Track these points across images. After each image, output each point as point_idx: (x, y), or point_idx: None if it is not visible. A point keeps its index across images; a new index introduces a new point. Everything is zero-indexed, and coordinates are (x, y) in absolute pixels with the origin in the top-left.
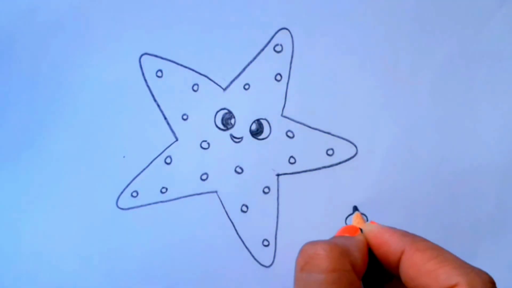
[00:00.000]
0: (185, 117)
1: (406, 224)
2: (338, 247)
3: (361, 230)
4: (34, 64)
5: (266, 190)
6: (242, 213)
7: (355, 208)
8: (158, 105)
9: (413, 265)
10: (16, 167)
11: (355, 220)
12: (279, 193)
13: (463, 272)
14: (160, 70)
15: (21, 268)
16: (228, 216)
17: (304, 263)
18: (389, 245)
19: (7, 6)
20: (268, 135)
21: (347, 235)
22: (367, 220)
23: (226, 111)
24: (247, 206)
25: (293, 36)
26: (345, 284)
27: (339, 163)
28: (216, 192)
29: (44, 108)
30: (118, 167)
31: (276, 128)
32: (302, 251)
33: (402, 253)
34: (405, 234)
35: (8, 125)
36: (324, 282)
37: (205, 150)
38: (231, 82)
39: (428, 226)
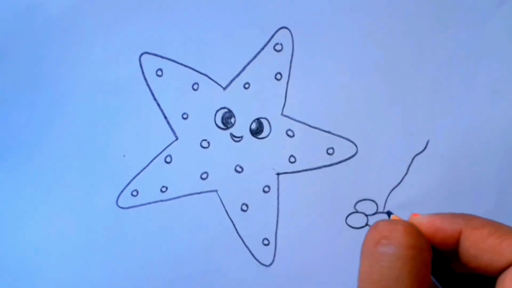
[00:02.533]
0: (185, 116)
1: None
2: (415, 225)
3: None
4: (33, 64)
5: (266, 189)
6: (242, 212)
7: (389, 213)
8: (158, 104)
9: (473, 244)
10: (16, 167)
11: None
12: (279, 192)
13: None
14: (160, 69)
15: (21, 268)
16: (228, 215)
17: (380, 237)
18: (443, 231)
19: (7, 6)
20: (268, 134)
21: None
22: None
23: (226, 110)
24: (247, 205)
25: (293, 35)
26: (422, 262)
27: (339, 162)
28: (216, 191)
29: (43, 108)
30: (118, 166)
31: (276, 127)
32: (377, 226)
33: (459, 234)
34: (455, 215)
35: (8, 124)
36: (404, 257)
37: (205, 149)
38: (231, 81)
39: None
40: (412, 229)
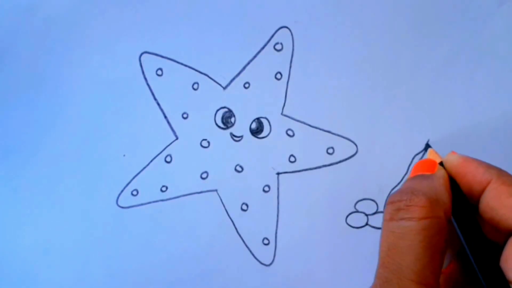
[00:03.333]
0: (185, 115)
1: None
2: (428, 193)
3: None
4: (33, 63)
5: (266, 189)
6: (242, 212)
7: (428, 145)
8: (158, 104)
9: (496, 196)
10: (16, 166)
11: (431, 155)
12: (279, 191)
13: None
14: (160, 69)
15: (21, 268)
16: (228, 215)
17: (394, 212)
18: (474, 175)
19: (7, 5)
20: (268, 134)
21: (424, 172)
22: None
23: (226, 109)
24: (247, 205)
25: (293, 34)
26: (435, 231)
27: (339, 161)
28: (216, 190)
29: (43, 107)
30: (118, 165)
31: (276, 126)
32: (390, 200)
33: (487, 183)
34: (491, 166)
35: (8, 124)
36: (415, 228)
37: (205, 149)
38: (231, 81)
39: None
40: (424, 202)
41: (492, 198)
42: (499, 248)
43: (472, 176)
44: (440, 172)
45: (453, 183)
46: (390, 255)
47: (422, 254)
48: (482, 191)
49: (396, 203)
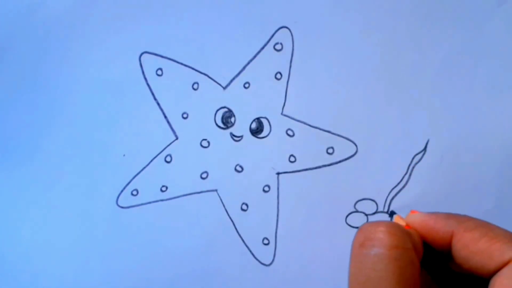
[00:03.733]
0: (185, 115)
1: None
2: (399, 226)
3: None
4: (33, 63)
5: (266, 189)
6: (242, 212)
7: (392, 213)
8: (158, 104)
9: (464, 246)
10: (16, 166)
11: (397, 221)
12: (279, 191)
13: None
14: (160, 69)
15: (21, 268)
16: (228, 215)
17: (364, 239)
18: (436, 232)
19: (7, 5)
20: (268, 134)
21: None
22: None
23: (226, 109)
24: (247, 205)
25: (293, 34)
26: (406, 262)
27: (339, 161)
28: (216, 190)
29: (43, 107)
30: (118, 165)
31: (276, 126)
32: (362, 228)
33: (451, 236)
34: (449, 216)
35: (8, 124)
36: (386, 258)
37: (205, 149)
38: (231, 81)
39: None
40: (396, 230)
41: (461, 250)
42: None
43: (435, 232)
44: (412, 230)
45: (425, 243)
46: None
47: (395, 287)
48: (449, 244)
49: (366, 231)
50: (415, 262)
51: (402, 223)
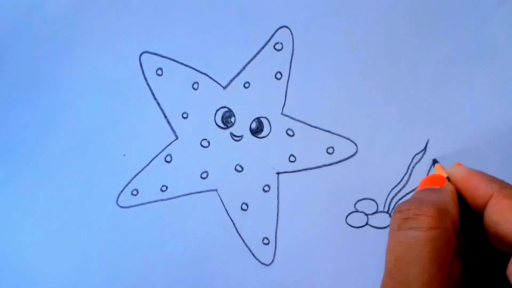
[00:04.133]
0: (185, 115)
1: None
2: (437, 204)
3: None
4: (33, 63)
5: (266, 189)
6: (242, 212)
7: (435, 161)
8: (158, 104)
9: (498, 210)
10: (16, 165)
11: (438, 170)
12: (279, 191)
13: None
14: (160, 69)
15: (21, 267)
16: (228, 215)
17: (402, 221)
18: (477, 189)
19: (7, 5)
20: (268, 134)
21: (433, 187)
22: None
23: (226, 109)
24: (247, 205)
25: (293, 34)
26: (443, 242)
27: (339, 161)
28: (216, 190)
29: (44, 107)
30: (118, 165)
31: (276, 126)
32: (398, 209)
33: (490, 197)
34: (494, 179)
35: (8, 124)
36: (423, 239)
37: (205, 149)
38: (231, 81)
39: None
40: (433, 211)
41: (494, 213)
42: (506, 259)
43: (474, 190)
44: (449, 186)
45: (461, 197)
46: (397, 266)
47: (430, 265)
48: (485, 204)
49: (404, 211)
50: (451, 241)
51: (443, 174)
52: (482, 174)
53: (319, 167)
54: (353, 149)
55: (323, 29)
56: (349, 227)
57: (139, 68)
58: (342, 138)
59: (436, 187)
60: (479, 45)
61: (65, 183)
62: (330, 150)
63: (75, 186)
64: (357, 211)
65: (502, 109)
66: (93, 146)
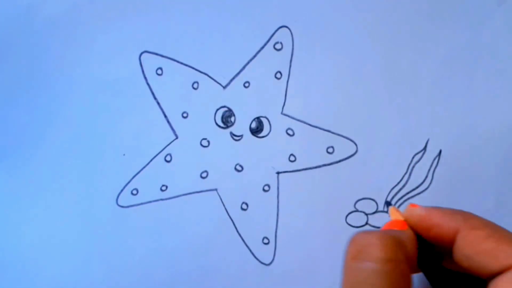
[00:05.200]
0: (185, 115)
1: None
2: (392, 237)
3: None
4: (33, 63)
5: (266, 188)
6: (242, 211)
7: (388, 203)
8: (158, 103)
9: (468, 244)
10: (16, 166)
11: (393, 214)
12: (279, 191)
13: None
14: (160, 68)
15: (21, 267)
16: (228, 214)
17: (356, 252)
18: (441, 227)
19: (7, 5)
20: (268, 133)
21: (395, 229)
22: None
23: (226, 109)
24: (247, 204)
25: (293, 34)
26: (398, 275)
27: (339, 161)
28: (216, 190)
29: (43, 107)
30: (118, 165)
31: (276, 126)
32: (354, 240)
33: (456, 233)
34: (455, 212)
35: (8, 124)
36: (378, 272)
37: (205, 148)
38: (231, 80)
39: None
40: (389, 242)
41: (465, 248)
42: None
43: (438, 229)
44: (409, 230)
45: (421, 239)
46: None
47: None
48: (453, 241)
49: (358, 242)
50: (407, 274)
51: (398, 216)
52: (442, 210)
53: (319, 166)
54: (353, 148)
55: (322, 28)
56: (349, 226)
57: (139, 67)
58: (342, 138)
59: (397, 229)
60: (479, 45)
61: (65, 182)
62: (330, 150)
63: (75, 185)
64: (357, 210)
65: (502, 109)
66: (93, 146)
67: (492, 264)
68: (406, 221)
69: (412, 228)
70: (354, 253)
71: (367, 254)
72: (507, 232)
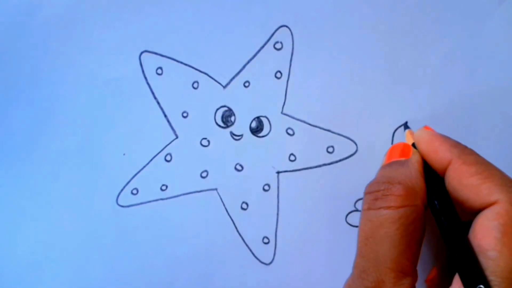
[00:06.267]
0: (185, 114)
1: None
2: (405, 182)
3: (413, 145)
4: (34, 62)
5: (266, 188)
6: (242, 211)
7: (406, 126)
8: (158, 103)
9: (457, 177)
10: (16, 165)
11: (407, 137)
12: (279, 190)
13: (506, 189)
14: (160, 68)
15: (21, 267)
16: (228, 214)
17: (372, 201)
18: (437, 153)
19: (7, 5)
20: (268, 133)
21: (399, 158)
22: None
23: (226, 108)
24: (247, 204)
25: (293, 33)
26: (412, 219)
27: (339, 160)
28: (216, 189)
29: (43, 106)
30: (118, 164)
31: (276, 125)
32: (368, 190)
33: (449, 163)
34: (455, 144)
35: (8, 123)
36: (392, 217)
37: (205, 148)
38: (231, 80)
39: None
40: (401, 191)
41: (453, 179)
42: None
43: (434, 154)
44: (415, 157)
45: (427, 165)
46: (367, 244)
47: (398, 242)
48: (445, 169)
49: (373, 193)
50: (420, 218)
51: (410, 139)
52: (445, 138)
53: (319, 166)
54: (353, 148)
55: (323, 28)
56: (349, 226)
57: (139, 67)
58: (342, 137)
59: (402, 158)
60: (479, 44)
61: (65, 182)
62: (330, 149)
63: (75, 185)
64: (357, 210)
65: (502, 108)
66: (93, 145)
67: (475, 200)
68: (415, 142)
69: (420, 153)
70: (369, 203)
71: (382, 202)
72: (497, 170)
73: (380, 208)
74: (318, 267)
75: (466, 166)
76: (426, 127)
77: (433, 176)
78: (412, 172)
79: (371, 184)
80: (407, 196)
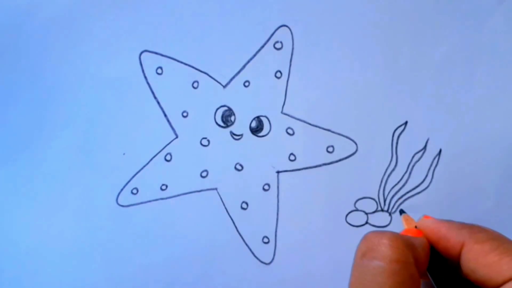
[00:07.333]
0: (185, 114)
1: None
2: (403, 239)
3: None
4: (34, 62)
5: (266, 187)
6: (242, 210)
7: (401, 211)
8: (158, 102)
9: (473, 258)
10: (16, 164)
11: (406, 222)
12: (279, 190)
13: None
14: (160, 67)
15: (21, 267)
16: (228, 213)
17: (366, 250)
18: (447, 240)
19: (7, 5)
20: (268, 132)
21: (410, 235)
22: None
23: (226, 108)
24: (247, 203)
25: (293, 33)
26: (405, 276)
27: (339, 160)
28: (216, 189)
29: (44, 106)
30: (118, 164)
31: (276, 125)
32: (365, 238)
33: (462, 246)
34: (463, 226)
35: (8, 123)
36: (385, 271)
37: (205, 147)
38: (231, 79)
39: None
40: (399, 243)
41: (470, 261)
42: None
43: (445, 241)
44: (423, 238)
45: (434, 249)
46: None
47: None
48: (459, 253)
49: (369, 241)
50: (415, 276)
51: (411, 224)
52: (450, 223)
53: (319, 166)
54: (353, 148)
55: (323, 28)
56: (349, 226)
57: (139, 67)
58: (342, 137)
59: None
60: (479, 43)
61: (65, 182)
62: (330, 149)
63: (75, 185)
64: (357, 210)
65: (502, 108)
66: (93, 145)
67: (496, 277)
68: (424, 233)
69: (426, 238)
70: (364, 251)
71: (377, 253)
72: (510, 244)
73: (374, 258)
74: (318, 267)
75: (479, 245)
76: (425, 217)
77: (442, 262)
78: (415, 240)
79: (369, 232)
80: (401, 251)
